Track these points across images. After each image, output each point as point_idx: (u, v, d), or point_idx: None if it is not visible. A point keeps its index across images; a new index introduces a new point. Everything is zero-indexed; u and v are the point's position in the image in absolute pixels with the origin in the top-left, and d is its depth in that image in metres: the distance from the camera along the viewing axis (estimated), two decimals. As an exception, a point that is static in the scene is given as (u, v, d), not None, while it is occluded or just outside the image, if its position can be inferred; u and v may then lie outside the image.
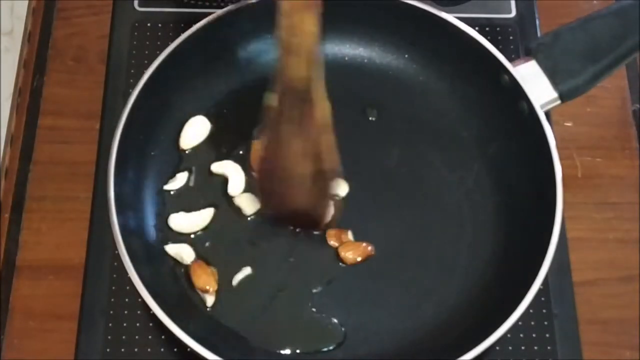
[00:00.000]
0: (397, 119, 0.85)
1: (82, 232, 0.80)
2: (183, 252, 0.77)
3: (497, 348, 0.76)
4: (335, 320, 0.76)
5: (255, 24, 0.82)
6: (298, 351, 0.75)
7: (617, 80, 0.89)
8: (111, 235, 0.72)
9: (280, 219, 0.78)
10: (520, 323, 0.75)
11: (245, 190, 0.80)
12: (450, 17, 0.81)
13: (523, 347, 0.77)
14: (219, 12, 0.81)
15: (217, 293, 0.76)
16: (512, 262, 0.76)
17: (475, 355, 0.69)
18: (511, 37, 0.90)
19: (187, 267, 0.77)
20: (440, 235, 0.80)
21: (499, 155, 0.81)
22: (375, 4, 0.83)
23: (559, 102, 0.78)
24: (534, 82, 0.77)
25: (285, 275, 0.77)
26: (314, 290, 0.77)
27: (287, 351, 0.75)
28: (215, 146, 0.82)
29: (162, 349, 0.76)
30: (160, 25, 0.89)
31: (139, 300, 0.75)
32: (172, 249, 0.77)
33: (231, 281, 0.77)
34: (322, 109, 0.71)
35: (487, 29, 0.90)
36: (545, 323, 0.78)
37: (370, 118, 0.85)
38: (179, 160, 0.82)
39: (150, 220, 0.78)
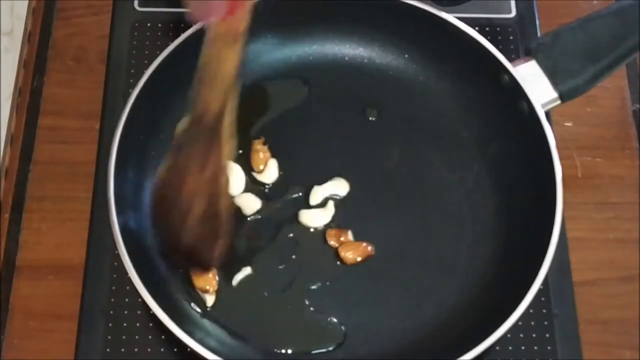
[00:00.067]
0: (397, 119, 0.85)
1: (82, 232, 0.80)
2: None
3: (497, 348, 0.76)
4: (335, 320, 0.76)
5: (255, 24, 0.82)
6: (298, 351, 0.75)
7: (617, 80, 0.89)
8: (111, 235, 0.72)
9: (170, 252, 0.74)
10: (520, 323, 0.75)
11: (245, 190, 0.80)
12: (450, 17, 0.81)
13: (523, 347, 0.77)
14: (219, 12, 0.81)
15: (217, 293, 0.76)
16: (512, 262, 0.76)
17: (475, 355, 0.69)
18: (511, 37, 0.90)
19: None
20: (440, 235, 0.80)
21: (499, 155, 0.81)
22: (375, 4, 0.83)
23: (559, 102, 0.78)
24: (534, 82, 0.77)
25: (285, 275, 0.77)
26: (314, 290, 0.77)
27: (287, 351, 0.75)
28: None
29: (162, 349, 0.76)
30: (160, 25, 0.89)
31: (139, 300, 0.75)
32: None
33: (231, 281, 0.77)
34: (227, 148, 0.69)
35: (487, 29, 0.90)
36: (545, 323, 0.78)
37: (370, 118, 0.85)
38: (179, 160, 0.82)
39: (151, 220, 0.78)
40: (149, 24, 0.89)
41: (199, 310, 0.75)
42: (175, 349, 0.76)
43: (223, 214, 0.70)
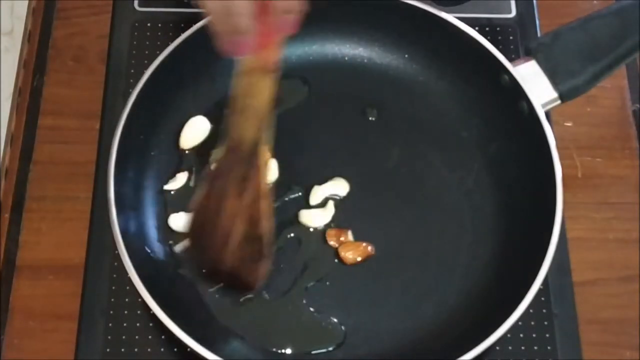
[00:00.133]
0: (397, 119, 0.85)
1: (82, 232, 0.80)
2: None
3: (497, 348, 0.76)
4: (335, 320, 0.76)
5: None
6: (298, 351, 0.75)
7: (617, 80, 0.90)
8: (111, 235, 0.72)
9: (209, 275, 0.75)
10: (520, 323, 0.75)
11: (245, 190, 0.80)
12: (450, 17, 0.81)
13: (523, 347, 0.77)
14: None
15: (217, 293, 0.76)
16: (512, 262, 0.76)
17: (475, 355, 0.69)
18: (511, 37, 0.90)
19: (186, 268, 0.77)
20: (440, 235, 0.80)
21: (499, 155, 0.81)
22: (375, 4, 0.83)
23: (559, 102, 0.78)
24: (534, 82, 0.77)
25: (285, 275, 0.77)
26: (314, 290, 0.77)
27: (287, 351, 0.75)
28: (215, 146, 0.82)
29: (162, 349, 0.76)
30: (160, 25, 0.89)
31: (139, 300, 0.75)
32: (179, 247, 0.77)
33: (231, 281, 0.77)
34: (264, 175, 0.69)
35: (487, 29, 0.90)
36: (545, 323, 0.78)
37: (370, 118, 0.85)
38: (179, 160, 0.82)
39: (151, 220, 0.78)
40: (149, 24, 0.89)
41: (198, 310, 0.75)
42: (175, 349, 0.76)
43: (265, 236, 0.71)
